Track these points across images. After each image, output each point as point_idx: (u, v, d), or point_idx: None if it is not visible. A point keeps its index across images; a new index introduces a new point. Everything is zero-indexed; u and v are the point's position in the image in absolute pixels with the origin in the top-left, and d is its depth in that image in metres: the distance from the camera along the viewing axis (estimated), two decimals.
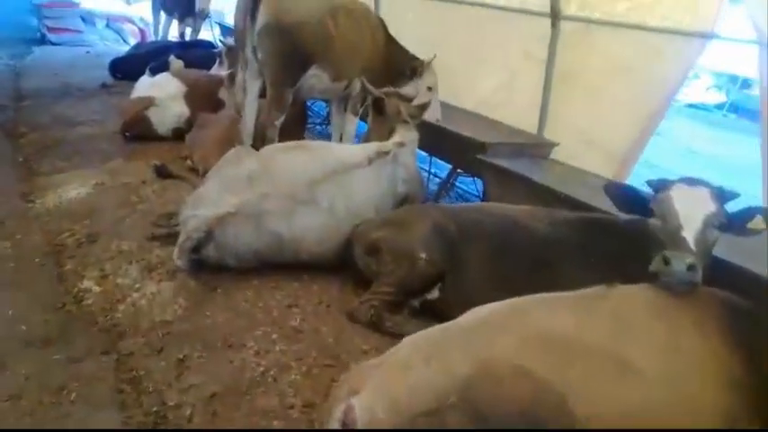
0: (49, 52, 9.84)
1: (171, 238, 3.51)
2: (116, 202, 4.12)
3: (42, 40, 10.71)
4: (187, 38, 9.31)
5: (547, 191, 3.68)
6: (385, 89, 4.15)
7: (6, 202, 4.10)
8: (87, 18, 11.71)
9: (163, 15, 9.76)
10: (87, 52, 9.96)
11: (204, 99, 5.55)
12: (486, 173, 4.18)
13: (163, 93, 5.37)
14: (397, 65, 4.63)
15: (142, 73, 7.37)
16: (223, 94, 5.73)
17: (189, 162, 4.82)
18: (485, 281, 2.85)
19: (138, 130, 5.28)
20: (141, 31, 12.35)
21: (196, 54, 7.44)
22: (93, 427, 2.22)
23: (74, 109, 6.30)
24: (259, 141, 4.15)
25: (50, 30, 10.73)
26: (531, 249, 2.92)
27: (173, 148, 5.31)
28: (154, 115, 5.28)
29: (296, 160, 3.26)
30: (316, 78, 4.17)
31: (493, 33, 5.08)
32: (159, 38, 10.06)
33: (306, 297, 3.08)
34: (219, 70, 6.53)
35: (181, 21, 9.18)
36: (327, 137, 6.91)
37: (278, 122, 4.07)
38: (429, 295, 2.90)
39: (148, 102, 5.28)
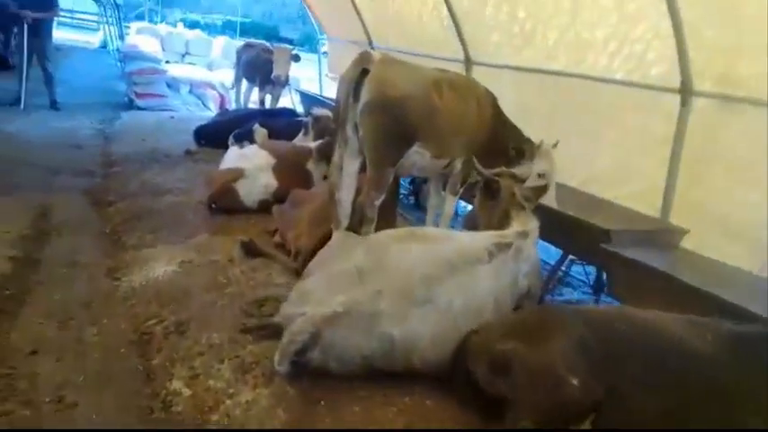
0: (136, 117, 10.19)
1: (264, 330, 3.21)
2: (204, 283, 3.87)
3: (130, 105, 11.17)
4: (267, 105, 9.45)
5: (692, 291, 3.14)
6: (498, 169, 3.80)
7: (93, 280, 3.94)
8: (172, 84, 12.22)
9: (244, 82, 10.01)
10: (172, 117, 10.26)
11: (292, 171, 5.39)
12: (612, 265, 3.69)
13: (251, 164, 5.24)
14: (505, 143, 4.30)
15: (225, 140, 7.43)
16: (311, 166, 5.57)
17: (276, 238, 4.58)
18: (645, 414, 2.34)
19: (224, 203, 5.12)
20: (221, 96, 12.78)
21: (280, 123, 7.43)
22: None
23: (161, 176, 6.28)
24: (357, 222, 3.84)
25: (138, 95, 11.19)
26: (698, 374, 2.40)
27: (258, 221, 5.12)
28: (241, 187, 5.13)
29: (410, 253, 2.89)
30: (418, 156, 3.88)
31: (607, 107, 4.68)
32: (241, 105, 10.30)
33: (421, 417, 2.63)
34: (305, 141, 6.43)
35: (261, 88, 9.34)
36: (411, 209, 6.62)
37: (377, 202, 3.77)
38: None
39: (237, 173, 5.14)
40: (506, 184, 3.65)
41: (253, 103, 10.49)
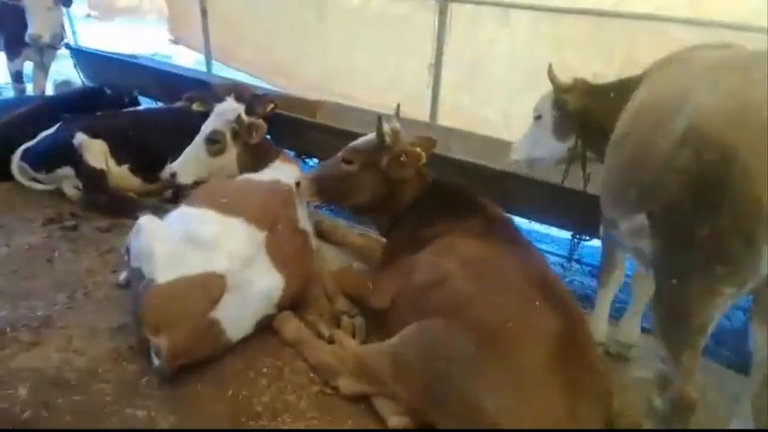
0: None
1: None
2: None
3: None
4: (32, 84, 5.61)
5: None
6: None
7: None
8: None
9: None
10: None
11: (290, 244, 2.78)
12: None
13: (231, 256, 2.43)
14: None
15: (4, 167, 4.09)
16: (302, 221, 3.02)
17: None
18: None
19: (200, 354, 2.37)
20: None
21: (115, 120, 4.18)
22: None
23: None
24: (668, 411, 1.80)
25: None
26: None
27: (272, 367, 2.52)
28: (227, 312, 2.37)
29: None
30: None
31: None
32: None
33: None
34: (220, 159, 3.60)
35: (12, 56, 5.40)
36: None
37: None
38: None
39: (214, 287, 2.34)
40: None
41: None
